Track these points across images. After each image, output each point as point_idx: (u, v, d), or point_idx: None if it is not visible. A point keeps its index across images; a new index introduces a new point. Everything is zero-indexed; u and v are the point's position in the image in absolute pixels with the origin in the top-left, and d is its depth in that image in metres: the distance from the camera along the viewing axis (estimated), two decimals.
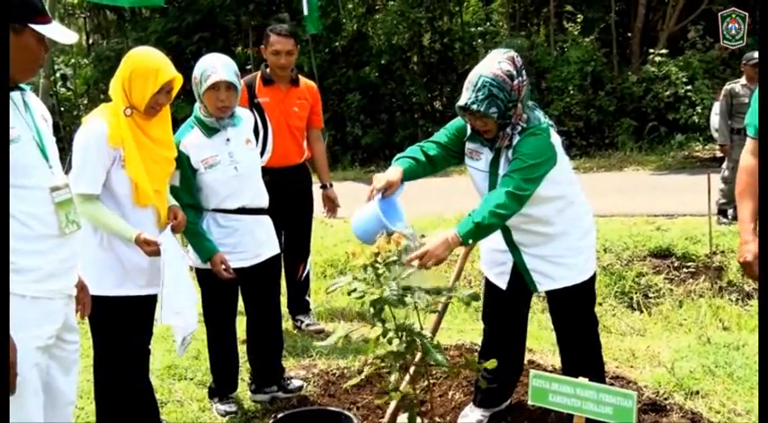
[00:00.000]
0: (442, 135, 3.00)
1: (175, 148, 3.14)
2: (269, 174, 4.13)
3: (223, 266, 3.24)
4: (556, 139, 2.84)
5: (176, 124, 3.21)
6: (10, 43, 1.99)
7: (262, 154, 4.30)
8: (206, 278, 3.38)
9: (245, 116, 3.50)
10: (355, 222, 2.68)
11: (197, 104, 3.32)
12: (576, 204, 2.99)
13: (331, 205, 4.73)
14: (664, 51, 12.47)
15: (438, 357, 2.41)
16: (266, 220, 3.53)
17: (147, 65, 2.83)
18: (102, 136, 2.78)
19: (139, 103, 2.83)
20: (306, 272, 4.74)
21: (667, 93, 12.02)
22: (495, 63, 2.72)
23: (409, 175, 2.85)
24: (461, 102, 2.73)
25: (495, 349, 3.15)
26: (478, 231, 2.60)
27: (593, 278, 3.04)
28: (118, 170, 2.82)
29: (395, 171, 2.82)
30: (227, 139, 3.32)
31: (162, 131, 2.98)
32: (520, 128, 2.77)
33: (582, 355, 3.09)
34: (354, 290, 2.40)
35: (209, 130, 3.29)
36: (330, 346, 2.57)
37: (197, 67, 3.25)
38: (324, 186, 4.71)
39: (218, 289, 3.36)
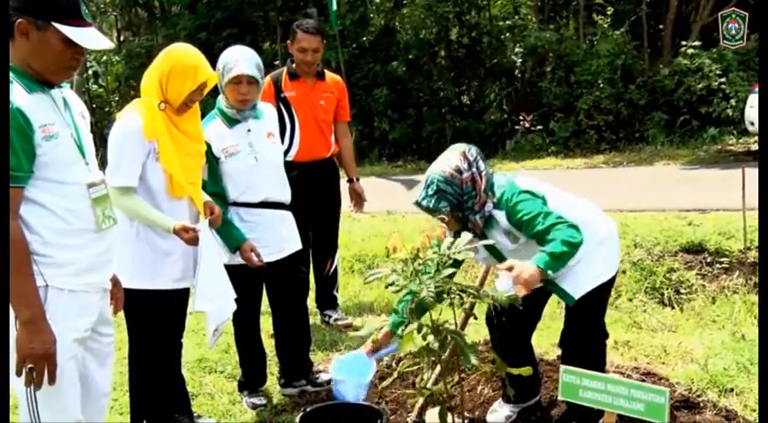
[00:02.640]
0: None
1: None
2: (296, 168, 4.17)
3: (253, 254, 3.27)
4: (525, 180, 2.94)
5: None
6: (31, 38, 2.02)
7: (289, 149, 4.33)
8: (231, 274, 3.41)
9: (268, 111, 3.52)
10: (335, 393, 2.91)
11: (220, 96, 3.36)
12: (585, 222, 2.95)
13: (358, 199, 4.74)
14: (697, 43, 12.23)
15: (472, 359, 2.40)
16: (288, 216, 3.55)
17: (186, 63, 2.87)
18: (137, 129, 2.82)
19: (174, 100, 2.87)
20: (334, 267, 4.75)
21: (700, 85, 11.79)
22: (446, 160, 2.86)
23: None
24: (416, 199, 2.87)
25: (506, 348, 3.16)
26: (554, 261, 2.67)
27: (614, 277, 3.07)
28: (153, 163, 2.86)
29: (384, 335, 2.94)
30: (248, 130, 3.36)
31: (193, 126, 3.02)
32: (490, 207, 2.86)
33: (590, 350, 3.10)
34: (392, 283, 2.41)
35: (231, 121, 3.33)
36: (364, 336, 2.61)
37: (220, 60, 3.29)
38: (350, 180, 4.71)
39: (242, 284, 3.39)
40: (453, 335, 2.46)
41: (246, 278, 3.35)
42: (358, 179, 4.75)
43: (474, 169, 2.85)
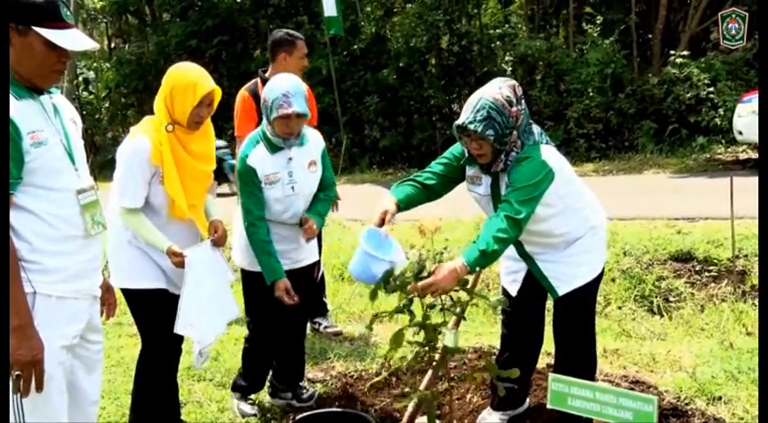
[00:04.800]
0: (437, 165, 3.04)
1: (241, 162, 3.24)
2: None
3: (286, 293, 3.23)
4: (550, 153, 2.84)
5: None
6: (14, 44, 2.02)
7: None
8: (252, 280, 3.40)
9: (314, 138, 3.43)
10: (351, 267, 2.70)
11: (264, 122, 3.31)
12: (581, 209, 3.01)
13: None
14: (685, 53, 12.34)
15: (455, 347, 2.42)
16: None
17: (185, 79, 2.89)
18: (145, 153, 2.87)
19: (182, 118, 2.90)
20: (320, 272, 4.72)
21: (689, 95, 11.90)
22: (497, 88, 2.77)
23: (406, 204, 2.90)
24: (459, 120, 2.77)
25: (512, 353, 3.16)
26: (485, 258, 2.59)
27: (601, 274, 3.08)
28: (156, 184, 2.92)
29: (389, 200, 2.86)
30: (290, 158, 3.31)
31: (204, 146, 3.04)
32: (514, 153, 2.81)
33: (579, 351, 3.12)
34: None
35: (273, 148, 3.28)
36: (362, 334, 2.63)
37: (269, 90, 3.21)
38: None
39: (262, 291, 3.34)
40: (440, 327, 2.48)
41: (268, 288, 3.33)
42: None
43: (521, 106, 2.78)
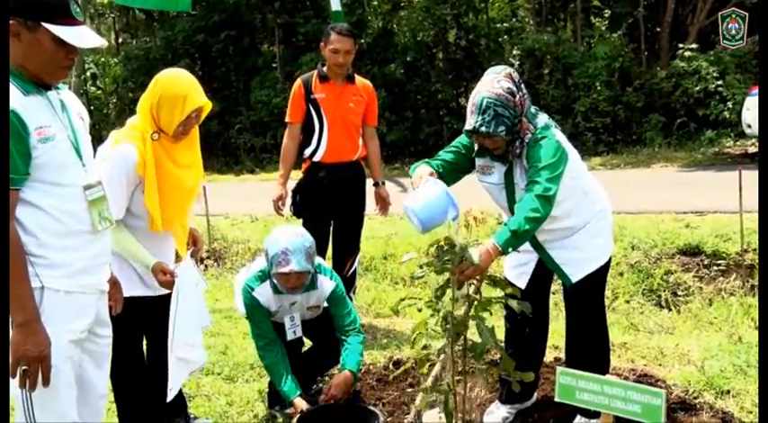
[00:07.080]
0: (446, 153, 3.03)
1: (246, 293, 3.23)
2: (323, 169, 4.28)
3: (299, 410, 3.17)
4: (560, 136, 2.88)
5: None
6: (22, 39, 2.02)
7: (316, 149, 4.38)
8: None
9: (324, 287, 3.35)
10: (421, 205, 2.61)
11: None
12: (590, 192, 3.04)
13: (383, 203, 4.74)
14: (694, 46, 12.27)
15: (490, 339, 2.43)
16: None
17: (174, 91, 2.78)
18: (131, 164, 2.77)
19: (167, 129, 2.82)
20: (353, 268, 4.71)
21: (697, 88, 11.84)
22: (495, 82, 2.77)
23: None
24: (468, 126, 2.78)
25: (516, 348, 3.17)
26: (516, 239, 2.63)
27: (610, 259, 3.11)
28: (138, 194, 2.83)
29: (427, 168, 2.87)
30: (293, 303, 3.31)
31: (190, 155, 2.97)
32: (530, 135, 2.82)
33: (592, 339, 3.12)
34: (421, 276, 2.52)
35: (278, 290, 3.25)
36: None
37: (270, 244, 3.15)
38: (376, 184, 4.71)
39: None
40: (474, 319, 2.47)
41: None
42: (384, 183, 4.74)
43: (522, 92, 2.81)
